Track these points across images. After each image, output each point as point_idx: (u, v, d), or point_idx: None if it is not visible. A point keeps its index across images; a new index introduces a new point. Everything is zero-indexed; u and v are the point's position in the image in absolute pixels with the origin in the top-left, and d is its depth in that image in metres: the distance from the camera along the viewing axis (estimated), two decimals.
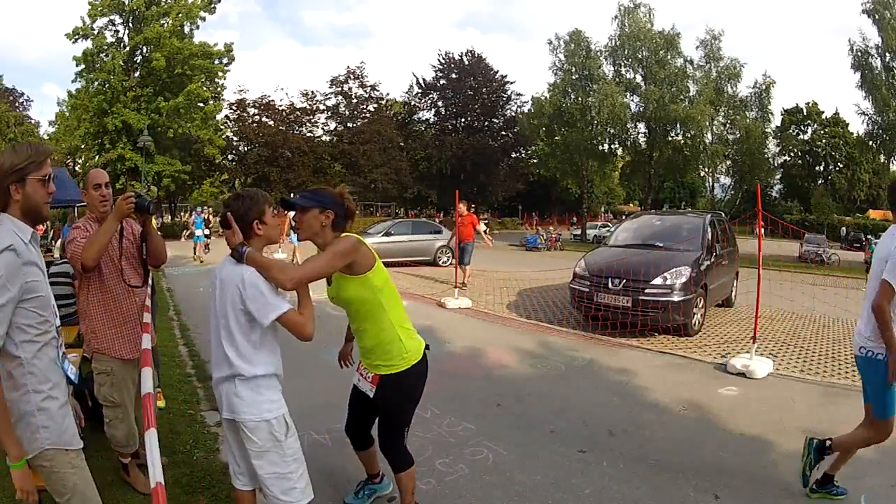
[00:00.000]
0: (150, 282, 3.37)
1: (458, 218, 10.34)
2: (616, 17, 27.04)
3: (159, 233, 3.06)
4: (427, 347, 2.44)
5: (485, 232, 10.31)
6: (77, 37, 25.75)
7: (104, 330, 2.66)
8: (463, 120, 40.28)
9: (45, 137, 34.09)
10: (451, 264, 13.51)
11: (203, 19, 28.02)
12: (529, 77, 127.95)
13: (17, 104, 34.96)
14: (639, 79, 27.52)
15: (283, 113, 33.36)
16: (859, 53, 21.76)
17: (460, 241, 10.23)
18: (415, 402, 2.43)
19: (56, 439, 1.73)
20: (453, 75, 39.31)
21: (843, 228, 36.56)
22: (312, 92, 35.01)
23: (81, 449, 1.84)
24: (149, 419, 1.81)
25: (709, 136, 26.56)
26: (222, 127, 31.70)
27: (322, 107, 35.54)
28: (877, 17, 20.95)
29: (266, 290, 1.94)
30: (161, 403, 3.90)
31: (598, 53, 27.55)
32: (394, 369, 2.31)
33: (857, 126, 46.08)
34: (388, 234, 14.25)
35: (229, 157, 33.43)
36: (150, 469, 1.49)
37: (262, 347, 2.01)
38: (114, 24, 26.62)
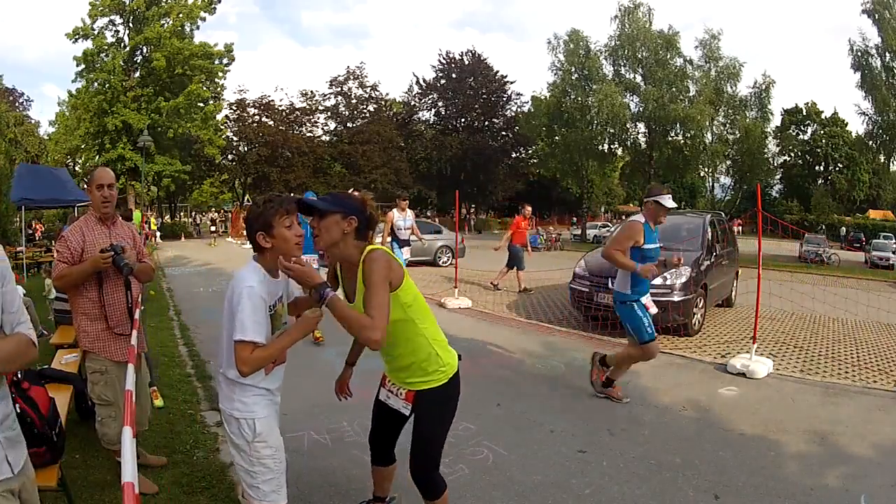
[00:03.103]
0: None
1: (524, 221, 10.32)
2: (616, 17, 27.04)
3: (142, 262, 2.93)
4: (459, 357, 2.30)
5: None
6: (77, 37, 25.71)
7: (96, 331, 2.67)
8: (463, 120, 40.17)
9: (45, 137, 34.07)
10: (450, 264, 13.54)
11: (203, 20, 28.00)
12: (529, 77, 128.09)
13: (17, 104, 34.93)
14: (638, 79, 27.47)
15: (283, 113, 33.37)
16: (859, 53, 21.77)
17: (516, 245, 10.16)
18: (453, 415, 2.26)
19: None
20: (453, 75, 39.24)
21: (843, 228, 36.53)
22: (312, 92, 35.15)
23: (10, 479, 1.53)
24: (128, 417, 1.73)
25: (709, 136, 26.54)
26: (222, 127, 31.66)
27: (321, 107, 35.61)
28: (877, 17, 20.95)
29: (251, 311, 1.84)
30: (159, 402, 3.89)
31: (598, 53, 27.56)
32: (433, 384, 2.16)
33: (857, 126, 46.25)
34: None
35: (229, 157, 33.43)
36: (123, 467, 1.40)
37: None
38: (114, 25, 26.60)
